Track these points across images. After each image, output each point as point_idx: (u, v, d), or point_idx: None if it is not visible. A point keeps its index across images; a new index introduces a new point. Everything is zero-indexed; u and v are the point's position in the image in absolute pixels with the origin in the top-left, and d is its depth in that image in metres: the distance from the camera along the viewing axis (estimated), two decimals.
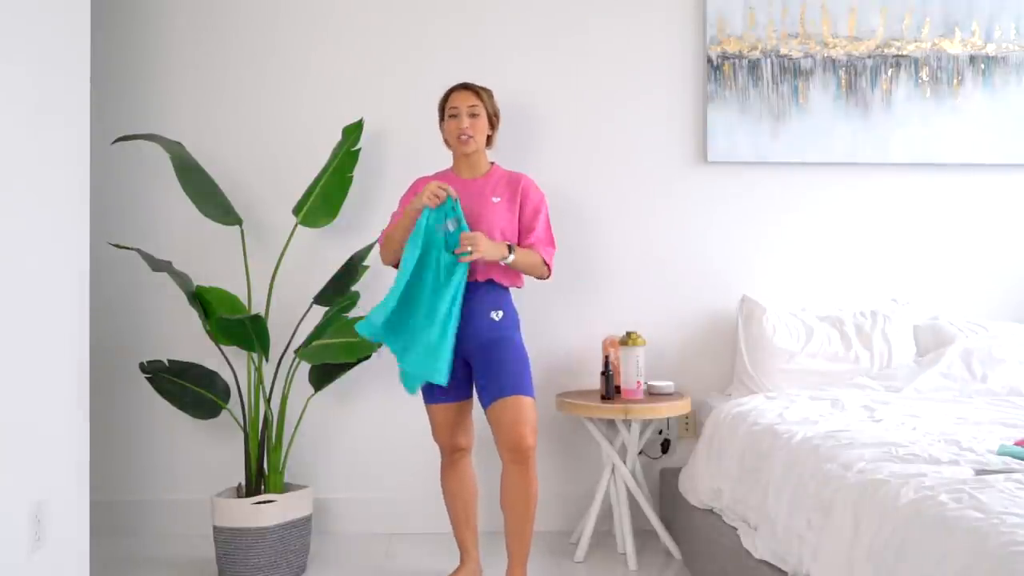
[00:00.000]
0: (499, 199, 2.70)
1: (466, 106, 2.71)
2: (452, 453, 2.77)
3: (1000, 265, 3.51)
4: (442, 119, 2.78)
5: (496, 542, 2.87)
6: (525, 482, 2.55)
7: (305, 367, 3.11)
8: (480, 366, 2.62)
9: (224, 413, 3.04)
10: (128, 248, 3.00)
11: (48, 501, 2.26)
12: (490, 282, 2.67)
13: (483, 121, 2.73)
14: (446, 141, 2.79)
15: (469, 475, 2.82)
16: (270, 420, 2.95)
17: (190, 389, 3.00)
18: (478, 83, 2.80)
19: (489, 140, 2.80)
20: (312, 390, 3.09)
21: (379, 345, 2.89)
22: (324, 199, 3.09)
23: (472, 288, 2.63)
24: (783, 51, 3.42)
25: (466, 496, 2.80)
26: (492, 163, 2.81)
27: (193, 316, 3.08)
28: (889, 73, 3.45)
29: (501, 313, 2.67)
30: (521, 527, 2.57)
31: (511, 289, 2.75)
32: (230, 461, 3.26)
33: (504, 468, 2.57)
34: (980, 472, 1.84)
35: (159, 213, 3.34)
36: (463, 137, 2.70)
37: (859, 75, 3.44)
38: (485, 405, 2.60)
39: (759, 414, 2.68)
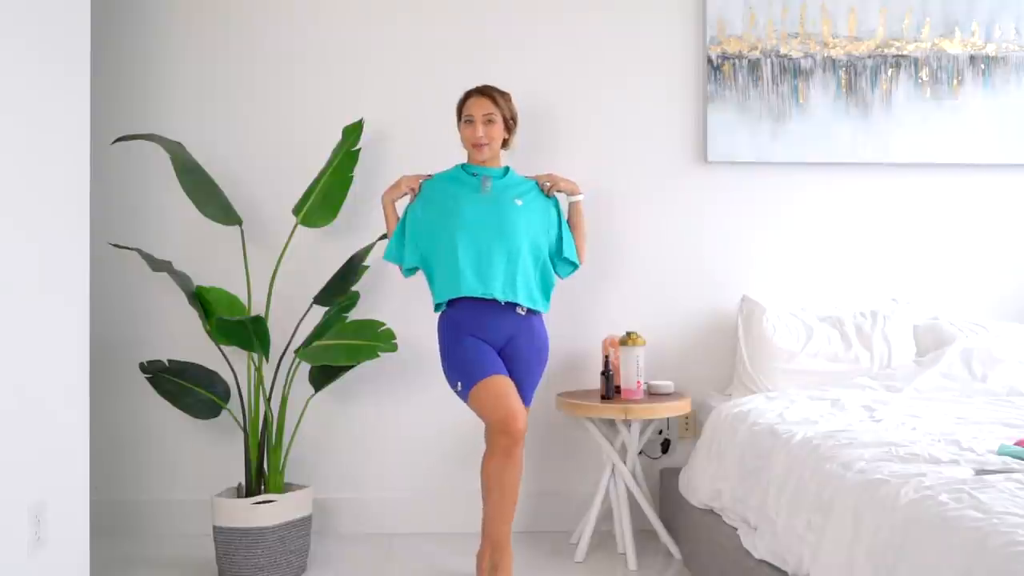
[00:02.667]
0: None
1: (481, 113, 2.75)
2: (504, 435, 2.51)
3: (1000, 265, 3.51)
4: (460, 119, 2.82)
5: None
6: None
7: (305, 367, 3.11)
8: (507, 365, 2.68)
9: (224, 413, 3.04)
10: (128, 248, 3.00)
11: (48, 501, 2.25)
12: None
13: (498, 128, 2.77)
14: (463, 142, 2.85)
15: (519, 467, 2.60)
16: (270, 420, 2.95)
17: (190, 389, 3.00)
18: (480, 84, 2.81)
19: (505, 143, 2.85)
20: (312, 390, 3.09)
21: (386, 347, 2.91)
22: (324, 199, 3.09)
23: None
24: (783, 51, 3.42)
25: (511, 490, 2.60)
26: (507, 168, 2.85)
27: (193, 316, 3.08)
28: (889, 73, 3.44)
29: (526, 308, 2.72)
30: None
31: None
32: (230, 461, 3.26)
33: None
34: (980, 472, 1.84)
35: (159, 213, 3.34)
36: (478, 145, 2.76)
37: (859, 75, 3.43)
38: None
39: (759, 414, 2.68)
